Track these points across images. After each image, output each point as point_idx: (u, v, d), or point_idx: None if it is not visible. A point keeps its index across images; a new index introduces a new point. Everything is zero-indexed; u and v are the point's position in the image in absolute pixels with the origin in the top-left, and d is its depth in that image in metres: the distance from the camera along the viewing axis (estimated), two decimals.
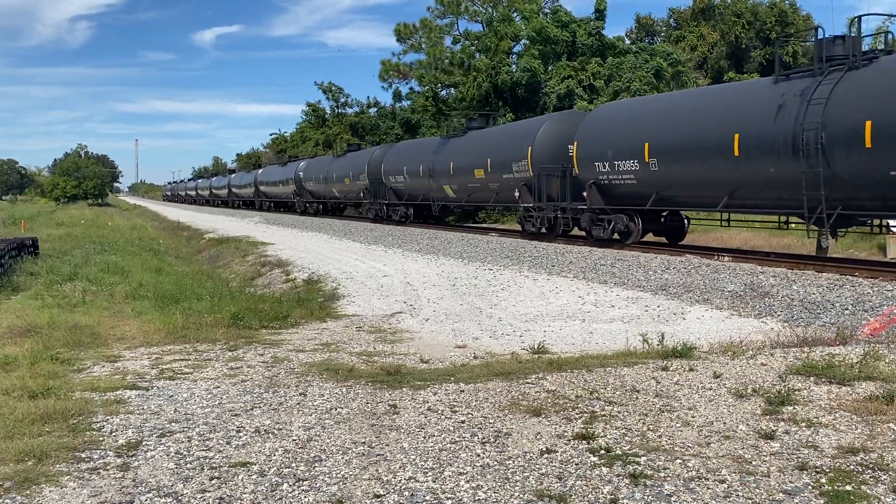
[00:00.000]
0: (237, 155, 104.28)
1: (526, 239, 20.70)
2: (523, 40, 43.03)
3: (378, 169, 32.85)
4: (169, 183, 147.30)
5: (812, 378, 6.42)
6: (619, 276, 13.40)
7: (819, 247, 18.85)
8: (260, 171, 61.07)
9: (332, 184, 39.72)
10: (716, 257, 15.04)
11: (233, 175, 75.24)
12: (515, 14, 44.78)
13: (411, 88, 52.70)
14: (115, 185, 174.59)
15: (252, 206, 62.28)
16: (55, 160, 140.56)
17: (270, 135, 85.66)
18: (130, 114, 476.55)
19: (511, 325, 10.37)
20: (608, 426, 5.37)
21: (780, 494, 4.14)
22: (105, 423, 5.72)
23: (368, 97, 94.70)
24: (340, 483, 4.48)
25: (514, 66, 40.90)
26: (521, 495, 4.24)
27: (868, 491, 4.14)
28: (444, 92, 46.76)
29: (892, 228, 16.02)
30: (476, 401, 6.16)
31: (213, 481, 4.54)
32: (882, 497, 4.06)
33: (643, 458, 4.71)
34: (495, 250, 18.24)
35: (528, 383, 6.66)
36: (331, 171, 39.91)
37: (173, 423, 5.73)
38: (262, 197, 58.44)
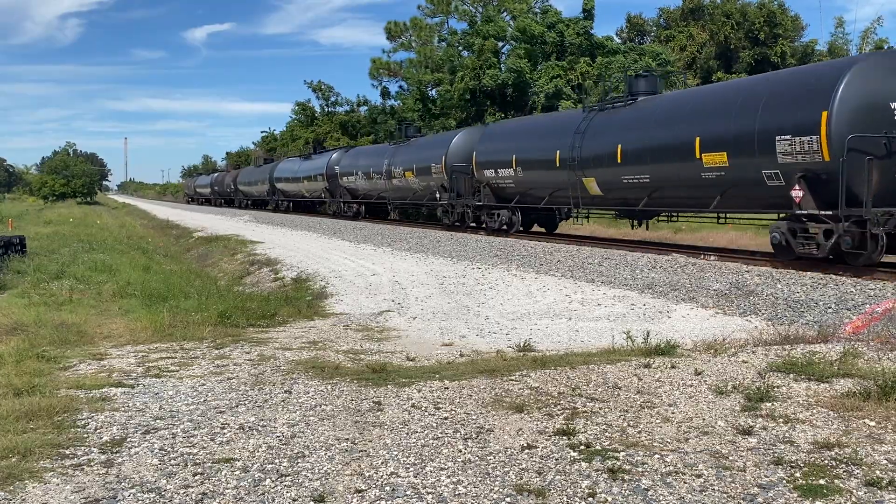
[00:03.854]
0: (227, 154, 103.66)
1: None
2: (510, 40, 43.07)
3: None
4: (198, 174, 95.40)
5: (792, 375, 6.51)
6: (606, 275, 13.47)
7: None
8: (334, 154, 38.70)
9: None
10: (702, 256, 15.14)
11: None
12: (505, 14, 44.80)
13: (401, 87, 52.70)
14: (105, 183, 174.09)
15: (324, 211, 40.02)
16: (44, 158, 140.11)
17: (261, 132, 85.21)
18: (120, 112, 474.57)
19: (498, 324, 10.43)
20: (589, 422, 5.43)
21: (755, 488, 4.21)
22: (90, 421, 5.74)
23: (358, 95, 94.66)
24: (323, 478, 4.53)
25: (502, 66, 40.90)
26: (501, 489, 4.30)
27: (841, 485, 4.21)
28: (433, 91, 46.75)
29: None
30: (460, 398, 6.21)
31: (196, 477, 4.58)
32: (854, 490, 4.14)
33: (622, 454, 4.78)
34: (484, 249, 18.29)
35: (512, 380, 6.72)
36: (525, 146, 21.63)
37: (158, 420, 5.76)
38: (341, 196, 36.69)
